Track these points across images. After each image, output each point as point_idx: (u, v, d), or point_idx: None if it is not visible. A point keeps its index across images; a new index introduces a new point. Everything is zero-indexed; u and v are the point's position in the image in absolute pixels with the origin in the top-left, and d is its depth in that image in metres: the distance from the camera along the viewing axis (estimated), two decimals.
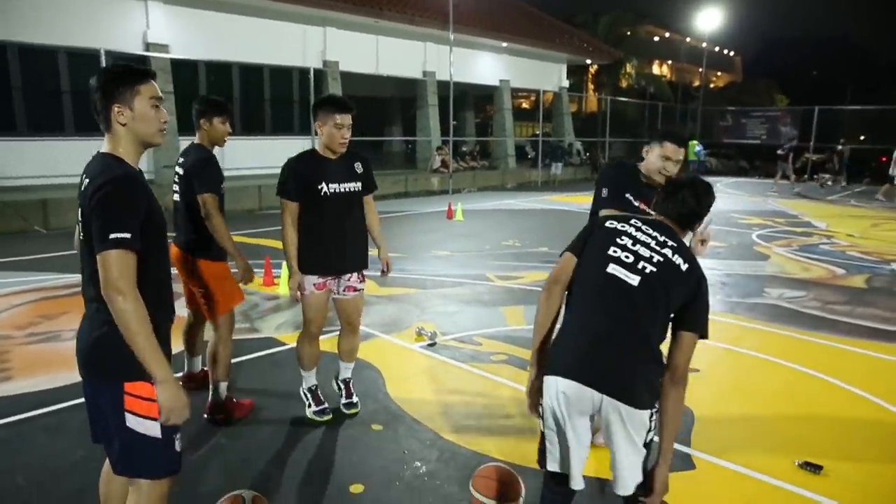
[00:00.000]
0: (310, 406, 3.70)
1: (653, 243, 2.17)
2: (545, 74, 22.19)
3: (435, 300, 6.26)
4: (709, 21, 27.55)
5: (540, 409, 2.22)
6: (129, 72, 1.96)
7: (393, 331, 5.33)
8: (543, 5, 23.93)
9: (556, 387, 2.08)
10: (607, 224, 2.25)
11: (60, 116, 11.79)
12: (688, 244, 2.26)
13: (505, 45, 19.69)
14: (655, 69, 44.37)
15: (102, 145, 1.99)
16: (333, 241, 3.47)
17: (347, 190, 3.47)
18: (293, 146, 14.65)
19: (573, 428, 2.09)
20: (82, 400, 3.64)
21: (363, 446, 3.40)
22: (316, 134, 3.48)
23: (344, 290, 3.59)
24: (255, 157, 14.25)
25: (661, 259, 2.13)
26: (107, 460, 2.14)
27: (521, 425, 3.66)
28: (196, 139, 3.68)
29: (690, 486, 3.08)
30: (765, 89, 40.87)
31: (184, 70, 13.12)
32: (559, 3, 27.68)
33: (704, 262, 2.12)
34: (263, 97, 15.06)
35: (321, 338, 3.72)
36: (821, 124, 23.37)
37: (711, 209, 2.34)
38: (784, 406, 4.03)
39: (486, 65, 20.08)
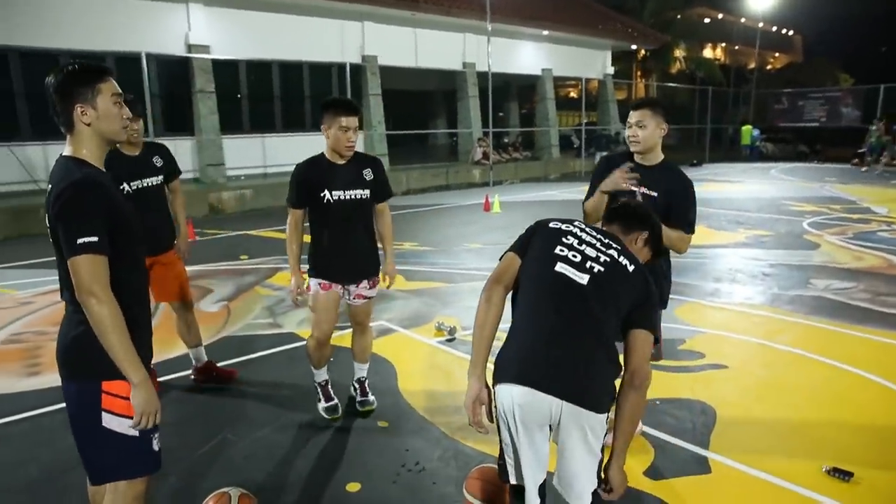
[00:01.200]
0: (320, 401, 3.68)
1: (598, 244, 2.09)
2: (589, 62, 21.70)
3: (460, 294, 6.17)
4: (763, 0, 26.38)
5: (494, 420, 2.04)
6: (87, 70, 1.93)
7: (413, 325, 5.28)
8: None
9: (509, 395, 1.92)
10: (551, 225, 2.16)
11: None
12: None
13: (546, 33, 19.32)
14: (708, 52, 42.86)
15: (64, 148, 1.98)
16: (337, 250, 3.40)
17: (353, 197, 3.38)
18: None
19: (530, 442, 1.93)
20: None
21: (367, 443, 3.36)
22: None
23: (353, 298, 3.54)
24: (295, 153, 14.37)
25: (608, 259, 2.04)
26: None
27: None
28: None
29: (703, 492, 2.92)
30: (826, 69, 38.83)
31: (225, 70, 13.38)
32: None
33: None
34: (304, 94, 15.23)
35: (340, 333, 3.69)
36: (887, 103, 22.08)
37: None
38: (817, 406, 3.78)
39: (527, 54, 19.77)
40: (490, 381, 2.02)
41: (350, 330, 3.74)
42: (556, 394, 1.87)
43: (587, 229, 2.15)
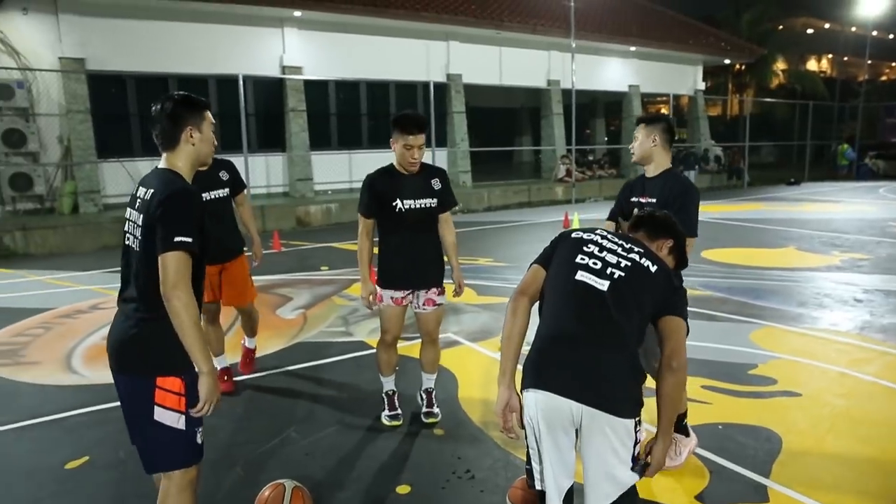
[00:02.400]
0: (384, 410, 3.83)
1: (619, 250, 2.15)
2: (678, 77, 21.13)
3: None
4: (873, 7, 24.72)
5: (522, 427, 2.10)
6: (197, 101, 2.30)
7: (479, 339, 5.37)
8: (676, 5, 22.85)
9: (533, 400, 1.99)
10: (573, 235, 2.23)
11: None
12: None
13: (633, 49, 19.03)
14: (812, 65, 40.61)
15: (160, 162, 2.27)
16: (407, 257, 3.54)
17: (422, 206, 3.51)
18: None
19: (554, 446, 1.98)
20: None
21: (422, 449, 3.48)
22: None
23: (423, 304, 3.65)
24: None
25: (629, 263, 2.09)
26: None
27: None
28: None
29: None
30: None
31: (315, 89, 14.08)
32: (694, 3, 26.20)
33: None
34: (389, 112, 15.74)
35: (407, 344, 3.83)
36: None
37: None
38: (895, 442, 3.55)
39: (613, 70, 19.52)
40: (518, 388, 2.09)
41: (419, 341, 3.86)
42: (575, 398, 1.92)
43: (609, 236, 2.20)
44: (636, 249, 2.16)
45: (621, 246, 2.16)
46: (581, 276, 2.08)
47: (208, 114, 2.32)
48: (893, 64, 51.67)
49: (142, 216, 2.14)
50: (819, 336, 5.36)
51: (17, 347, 5.32)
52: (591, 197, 17.38)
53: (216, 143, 2.45)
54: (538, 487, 2.08)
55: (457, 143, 15.99)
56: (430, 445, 3.53)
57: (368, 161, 14.62)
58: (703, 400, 4.06)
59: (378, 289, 3.61)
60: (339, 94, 14.84)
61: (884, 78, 45.35)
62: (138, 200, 2.19)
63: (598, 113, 22.73)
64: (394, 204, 3.46)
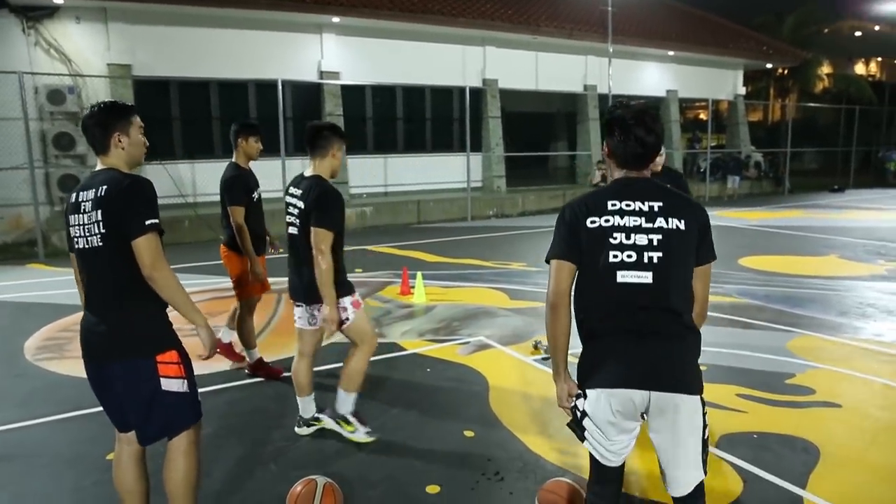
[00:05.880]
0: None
1: (643, 222, 2.04)
2: (718, 82, 20.75)
3: None
4: None
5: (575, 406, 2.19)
6: (123, 107, 2.43)
7: (511, 342, 5.37)
8: (717, 9, 22.46)
9: (607, 400, 2.07)
10: (590, 224, 2.07)
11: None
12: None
13: (671, 53, 18.76)
14: (860, 68, 39.42)
15: (97, 165, 2.45)
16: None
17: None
18: (452, 163, 15.39)
19: (624, 431, 2.12)
20: (218, 386, 4.19)
21: (452, 450, 3.50)
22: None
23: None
24: (416, 173, 15.03)
25: (661, 236, 2.04)
26: (119, 457, 2.57)
27: None
28: (233, 157, 4.48)
29: None
30: None
31: (352, 94, 14.25)
32: (735, 6, 25.68)
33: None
34: (425, 116, 15.84)
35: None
36: None
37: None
38: None
39: (650, 75, 19.29)
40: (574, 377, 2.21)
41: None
42: (653, 388, 2.02)
43: (626, 210, 2.05)
44: (657, 207, 2.05)
45: (642, 214, 2.04)
46: (622, 277, 2.03)
47: (136, 119, 2.45)
48: None
49: (99, 212, 2.28)
50: (861, 346, 5.22)
51: (63, 342, 5.52)
52: None
53: (147, 145, 2.53)
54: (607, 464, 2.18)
55: (492, 147, 15.99)
56: (461, 447, 3.55)
57: (402, 165, 14.91)
58: (738, 408, 3.99)
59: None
60: (376, 99, 14.98)
61: None
62: (86, 203, 2.34)
63: None
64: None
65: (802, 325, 5.70)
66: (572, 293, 2.16)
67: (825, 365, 4.75)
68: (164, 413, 2.39)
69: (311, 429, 3.72)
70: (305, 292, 3.49)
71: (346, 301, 3.48)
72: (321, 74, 13.67)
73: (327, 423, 3.72)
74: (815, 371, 4.63)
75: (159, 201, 2.40)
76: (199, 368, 4.51)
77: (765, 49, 20.95)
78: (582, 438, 2.16)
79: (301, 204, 3.40)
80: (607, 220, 2.06)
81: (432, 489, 3.10)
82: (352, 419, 3.60)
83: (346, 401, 3.59)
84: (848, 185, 21.42)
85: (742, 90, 21.57)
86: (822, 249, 9.77)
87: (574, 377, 2.20)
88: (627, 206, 2.07)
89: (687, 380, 2.05)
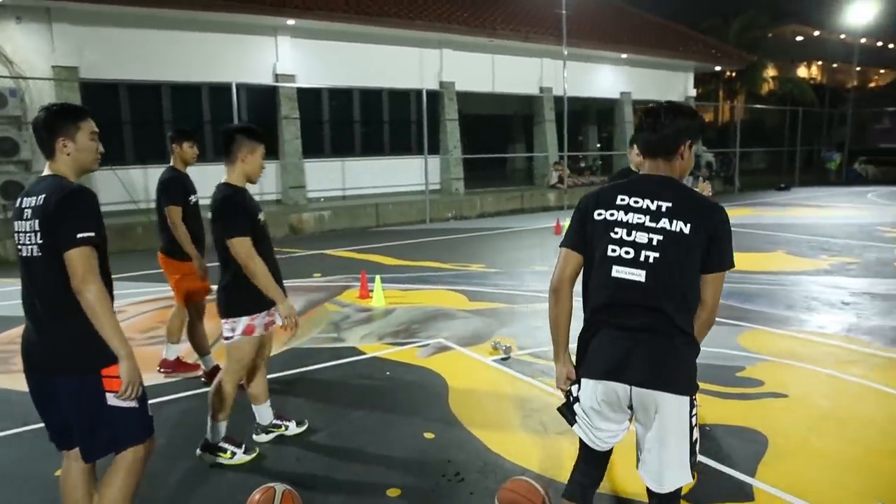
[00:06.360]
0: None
1: (647, 220, 2.06)
2: (670, 84, 21.28)
3: (521, 315, 6.25)
4: (861, 14, 24.99)
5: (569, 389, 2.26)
6: (71, 111, 2.33)
7: (470, 344, 5.40)
8: (667, 13, 23.04)
9: (594, 389, 2.13)
10: (597, 216, 2.13)
11: (203, 146, 13.09)
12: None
13: (625, 56, 19.17)
14: (803, 72, 40.97)
15: (45, 170, 2.36)
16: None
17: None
18: (410, 165, 15.38)
19: (609, 420, 2.17)
20: (176, 395, 4.06)
21: (412, 452, 3.50)
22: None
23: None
24: (374, 176, 14.98)
25: (662, 237, 2.04)
26: (67, 474, 2.46)
27: (573, 441, 3.58)
28: (171, 162, 4.49)
29: None
30: None
31: (308, 97, 14.11)
32: (683, 10, 26.40)
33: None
34: (382, 119, 15.80)
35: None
36: None
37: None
38: (881, 441, 3.59)
39: (605, 78, 19.67)
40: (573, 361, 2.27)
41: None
42: (638, 384, 2.05)
43: (632, 206, 2.08)
44: (664, 208, 2.05)
45: (648, 212, 2.05)
46: (616, 272, 2.06)
47: (85, 124, 2.33)
48: (882, 70, 52.14)
49: (37, 221, 2.21)
50: (806, 338, 5.42)
51: (8, 355, 5.32)
52: None
53: (101, 150, 2.44)
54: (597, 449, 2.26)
55: (450, 150, 16.05)
56: (420, 449, 3.55)
57: (360, 169, 14.85)
58: None
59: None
60: (332, 102, 14.89)
61: (872, 84, 45.76)
62: (28, 210, 2.26)
63: (590, 120, 22.84)
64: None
65: (752, 320, 5.89)
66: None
67: (773, 357, 4.92)
68: (109, 429, 2.29)
69: (270, 436, 3.68)
70: (226, 308, 3.36)
71: (242, 321, 3.33)
72: (276, 77, 13.51)
73: (290, 429, 3.70)
74: (764, 364, 4.80)
75: (111, 208, 2.33)
76: (151, 379, 4.45)
77: (713, 52, 21.60)
78: (571, 423, 2.23)
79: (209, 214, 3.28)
80: (612, 214, 2.11)
81: (393, 492, 3.10)
82: (225, 445, 3.43)
83: (214, 429, 3.40)
84: (793, 184, 22.24)
85: (693, 92, 22.19)
86: (769, 245, 10.11)
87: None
88: (635, 202, 2.09)
89: (669, 378, 2.04)
